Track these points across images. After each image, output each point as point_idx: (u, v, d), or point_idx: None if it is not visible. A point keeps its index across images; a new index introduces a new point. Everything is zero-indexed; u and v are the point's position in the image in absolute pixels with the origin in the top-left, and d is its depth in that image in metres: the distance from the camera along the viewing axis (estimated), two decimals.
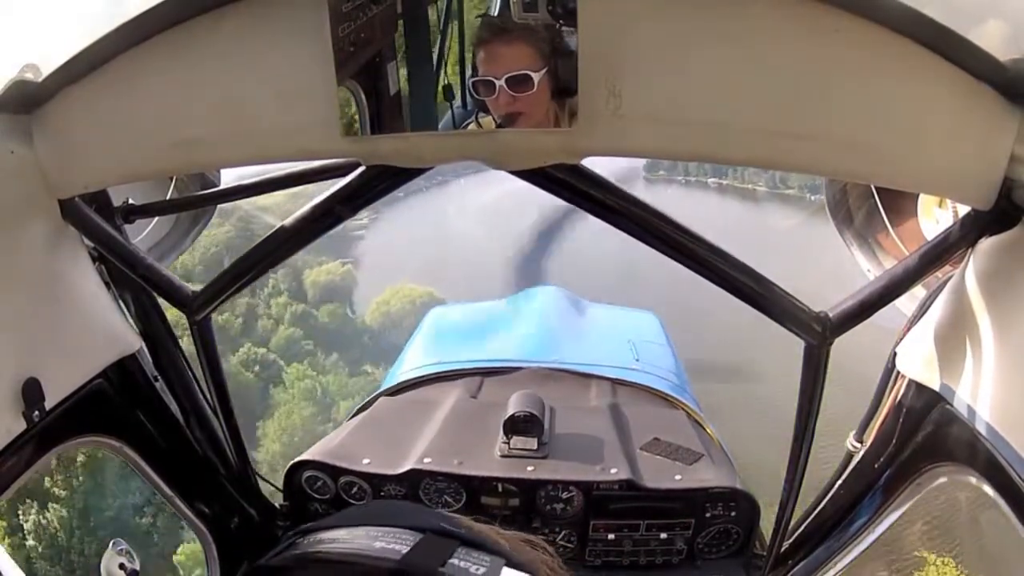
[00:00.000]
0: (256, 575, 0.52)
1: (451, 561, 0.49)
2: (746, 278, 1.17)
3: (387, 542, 0.50)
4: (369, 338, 31.29)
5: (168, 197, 1.69)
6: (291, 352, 28.19)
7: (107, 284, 1.47)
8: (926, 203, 1.54)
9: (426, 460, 1.94)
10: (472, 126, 1.04)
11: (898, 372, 1.33)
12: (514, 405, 2.04)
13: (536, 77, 0.99)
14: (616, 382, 2.63)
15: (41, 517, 14.96)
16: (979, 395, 1.04)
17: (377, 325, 31.87)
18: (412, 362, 3.07)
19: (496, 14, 0.99)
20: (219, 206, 2.00)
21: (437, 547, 0.50)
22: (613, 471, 1.88)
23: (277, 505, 2.05)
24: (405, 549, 0.49)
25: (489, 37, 0.99)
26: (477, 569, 0.48)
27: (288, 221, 1.30)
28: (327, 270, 33.95)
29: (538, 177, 1.12)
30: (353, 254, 37.22)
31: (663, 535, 1.92)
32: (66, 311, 1.32)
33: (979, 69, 0.90)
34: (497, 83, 0.99)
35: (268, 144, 1.11)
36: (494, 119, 1.03)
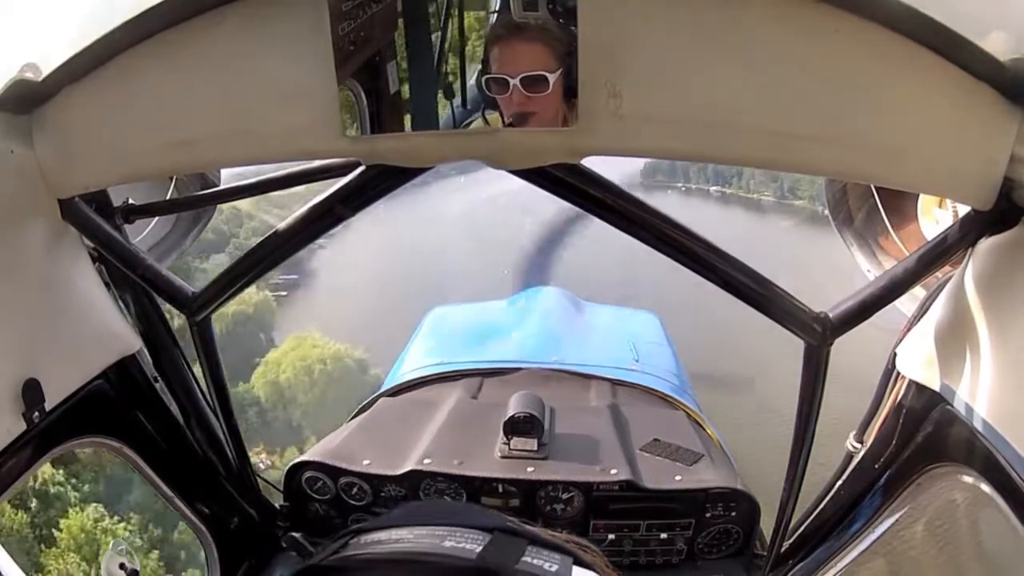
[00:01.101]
0: (312, 574, 0.49)
1: (524, 559, 0.48)
2: (746, 278, 1.17)
3: (456, 541, 0.48)
4: (257, 414, 21.84)
5: (168, 197, 1.69)
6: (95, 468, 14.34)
7: (107, 284, 1.47)
8: (926, 203, 1.54)
9: (426, 461, 1.93)
10: (478, 123, 1.03)
11: (898, 372, 1.33)
12: (514, 406, 2.04)
13: (552, 78, 0.97)
14: (616, 383, 2.62)
15: None
16: (979, 395, 1.04)
17: (266, 398, 22.51)
18: (412, 363, 3.06)
19: (495, 13, 0.98)
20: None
21: (509, 545, 0.49)
22: (613, 472, 1.87)
23: (277, 505, 2.04)
24: (478, 548, 0.48)
25: (506, 35, 0.97)
26: (551, 567, 0.47)
27: (288, 221, 1.30)
28: (240, 299, 23.98)
29: (538, 177, 1.12)
30: (301, 269, 28.88)
31: (663, 535, 1.92)
32: (66, 311, 1.31)
33: (979, 69, 0.90)
34: (512, 82, 0.98)
35: (268, 144, 1.10)
36: (502, 117, 1.01)
